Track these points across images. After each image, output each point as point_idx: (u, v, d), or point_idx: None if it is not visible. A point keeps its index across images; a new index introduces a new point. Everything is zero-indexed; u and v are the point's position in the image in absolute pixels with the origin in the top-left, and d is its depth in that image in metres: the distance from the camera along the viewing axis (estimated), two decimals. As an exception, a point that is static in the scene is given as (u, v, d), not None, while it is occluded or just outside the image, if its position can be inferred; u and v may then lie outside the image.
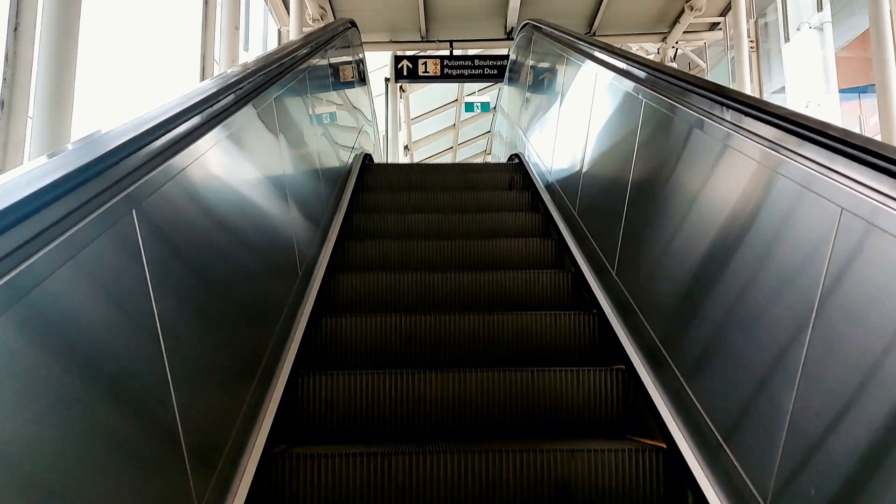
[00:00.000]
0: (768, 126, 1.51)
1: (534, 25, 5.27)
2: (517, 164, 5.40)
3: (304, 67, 3.35)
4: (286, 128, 2.85)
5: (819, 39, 9.07)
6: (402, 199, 4.38)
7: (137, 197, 1.20)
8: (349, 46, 5.32)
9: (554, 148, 4.20)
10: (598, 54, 3.27)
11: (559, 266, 3.39)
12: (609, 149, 3.05)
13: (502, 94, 7.97)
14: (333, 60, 4.50)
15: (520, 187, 4.76)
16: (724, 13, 9.88)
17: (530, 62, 5.49)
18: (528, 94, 5.56)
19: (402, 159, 13.45)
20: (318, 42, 3.83)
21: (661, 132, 2.34)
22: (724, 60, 10.69)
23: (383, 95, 11.82)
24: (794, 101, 8.85)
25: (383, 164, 5.94)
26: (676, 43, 10.10)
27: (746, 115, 1.62)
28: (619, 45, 4.42)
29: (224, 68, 5.50)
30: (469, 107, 13.34)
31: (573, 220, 3.36)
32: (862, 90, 9.33)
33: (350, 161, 4.78)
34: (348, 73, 5.27)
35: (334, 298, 3.01)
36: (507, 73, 7.44)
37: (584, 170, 3.33)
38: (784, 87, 9.27)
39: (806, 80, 8.93)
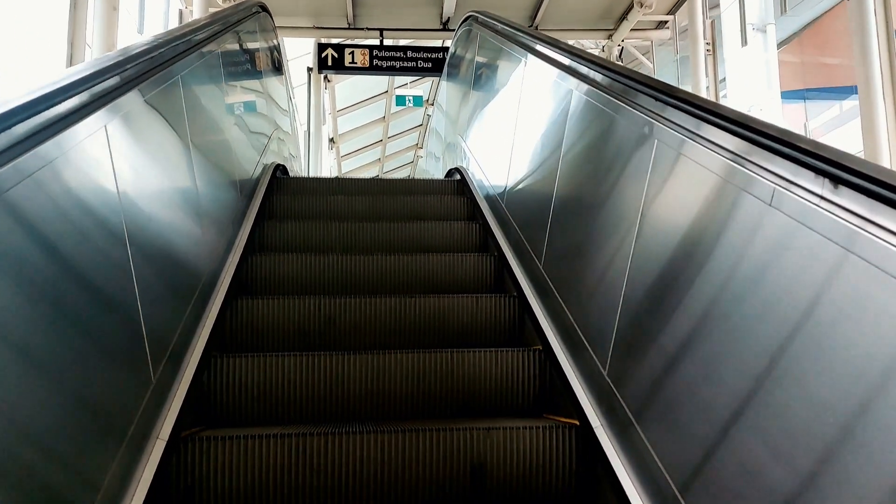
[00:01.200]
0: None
1: (481, 21, 4.42)
2: (459, 182, 4.57)
3: (186, 62, 2.42)
4: (149, 145, 1.98)
5: (762, 41, 8.62)
6: (321, 236, 3.45)
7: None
8: (256, 32, 4.35)
9: (509, 170, 3.39)
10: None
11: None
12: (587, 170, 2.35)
13: (440, 93, 7.08)
14: (232, 50, 3.54)
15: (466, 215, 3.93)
16: (672, 11, 9.31)
17: (475, 64, 4.65)
18: (471, 102, 4.73)
19: (327, 156, 12.41)
20: (208, 30, 2.88)
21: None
22: (670, 60, 10.16)
23: (305, 86, 10.74)
24: (737, 104, 8.36)
25: (301, 181, 4.96)
26: (622, 41, 9.47)
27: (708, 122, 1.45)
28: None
29: (99, 54, 4.43)
30: (400, 100, 12.40)
31: (537, 271, 2.57)
32: (803, 94, 8.96)
33: (256, 177, 3.83)
34: (255, 67, 4.32)
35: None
36: (445, 72, 6.53)
37: (555, 196, 2.54)
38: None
39: (750, 82, 8.47)
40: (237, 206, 3.19)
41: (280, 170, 5.12)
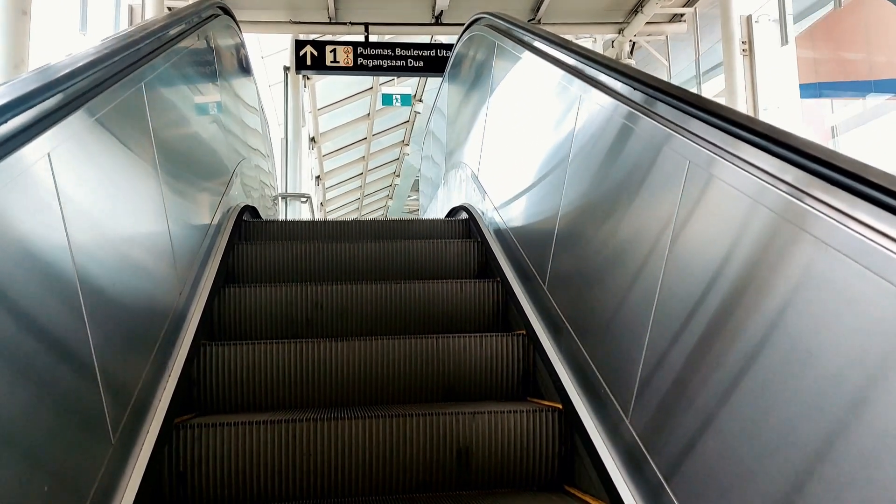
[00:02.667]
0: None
1: (501, 28, 3.43)
2: (468, 231, 3.62)
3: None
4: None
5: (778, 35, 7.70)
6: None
7: None
8: (210, 40, 3.36)
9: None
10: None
11: None
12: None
13: (441, 97, 6.04)
14: (173, 72, 2.57)
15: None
16: (689, 2, 8.37)
17: (491, 81, 3.66)
18: (485, 126, 3.74)
19: (307, 161, 11.37)
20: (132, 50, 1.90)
21: None
22: (684, 58, 9.23)
23: (281, 84, 9.67)
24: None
25: (274, 227, 3.96)
26: (635, 36, 8.52)
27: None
28: (564, 35, 3.09)
29: (4, 68, 3.40)
30: (387, 99, 11.39)
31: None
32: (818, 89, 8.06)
33: (212, 229, 2.86)
34: (212, 85, 3.33)
35: None
36: (447, 74, 5.50)
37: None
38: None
39: (772, 80, 7.58)
40: (182, 276, 2.24)
41: (249, 212, 4.14)
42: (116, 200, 1.72)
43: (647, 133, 1.68)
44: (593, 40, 10.33)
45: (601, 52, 2.73)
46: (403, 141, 17.75)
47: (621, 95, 1.87)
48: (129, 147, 1.88)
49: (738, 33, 6.29)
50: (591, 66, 2.14)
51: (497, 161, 3.49)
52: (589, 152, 2.14)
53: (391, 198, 23.12)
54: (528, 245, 2.65)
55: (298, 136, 9.14)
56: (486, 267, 3.19)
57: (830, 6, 7.03)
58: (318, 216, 13.84)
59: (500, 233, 3.13)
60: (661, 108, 1.61)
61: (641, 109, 1.71)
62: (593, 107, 2.11)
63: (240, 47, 4.47)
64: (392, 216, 26.06)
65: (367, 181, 20.11)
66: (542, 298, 2.37)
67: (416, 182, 24.18)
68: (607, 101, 1.96)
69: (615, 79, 1.94)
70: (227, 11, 4.03)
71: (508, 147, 3.27)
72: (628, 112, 1.80)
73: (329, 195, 19.16)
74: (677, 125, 1.51)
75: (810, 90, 8.06)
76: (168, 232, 2.10)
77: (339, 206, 21.20)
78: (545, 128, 2.67)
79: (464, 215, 4.05)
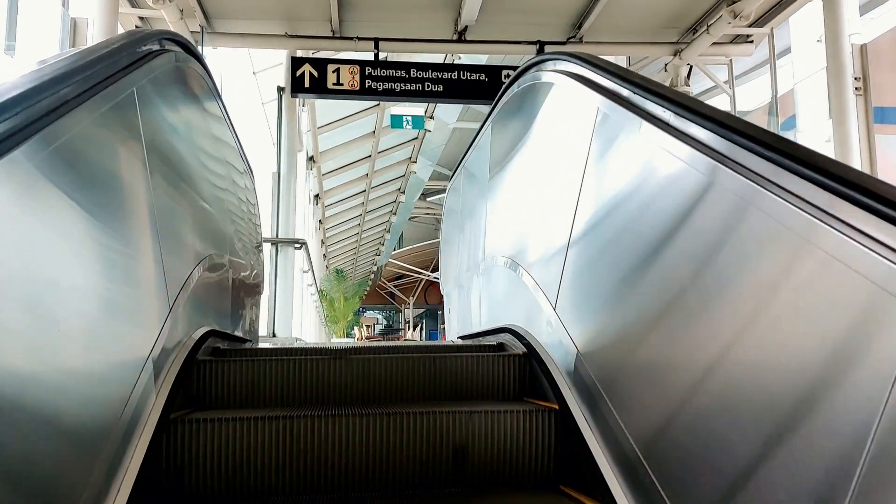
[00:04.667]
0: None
1: (606, 90, 2.06)
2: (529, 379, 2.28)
3: None
4: None
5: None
6: None
7: None
8: (134, 116, 2.01)
9: None
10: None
11: None
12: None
13: (472, 157, 4.56)
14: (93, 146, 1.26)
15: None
16: (762, 20, 7.01)
17: (591, 168, 2.28)
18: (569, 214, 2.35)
19: (303, 209, 10.04)
20: None
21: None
22: (747, 85, 7.88)
23: (274, 103, 8.30)
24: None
25: (242, 371, 2.60)
26: (698, 57, 7.17)
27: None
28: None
29: None
30: (396, 122, 10.05)
31: None
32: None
33: (140, 387, 1.54)
34: (168, 162, 1.97)
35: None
36: (488, 131, 4.00)
37: None
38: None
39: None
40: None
41: (215, 337, 2.81)
42: None
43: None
44: (626, 59, 8.99)
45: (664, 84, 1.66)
46: (411, 158, 16.41)
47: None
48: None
49: (849, 67, 4.94)
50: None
51: (598, 285, 2.12)
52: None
53: (394, 213, 21.81)
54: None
55: (293, 167, 7.77)
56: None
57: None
58: (316, 259, 12.54)
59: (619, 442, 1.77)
60: None
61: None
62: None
63: (213, 100, 3.12)
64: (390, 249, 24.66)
65: (369, 198, 18.77)
66: None
67: (423, 195, 22.87)
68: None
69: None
70: (187, 49, 2.68)
71: (621, 264, 1.91)
72: None
73: (329, 212, 17.83)
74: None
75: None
76: None
77: (338, 223, 19.87)
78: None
79: (518, 347, 2.72)
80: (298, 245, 7.37)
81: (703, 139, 1.48)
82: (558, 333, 2.32)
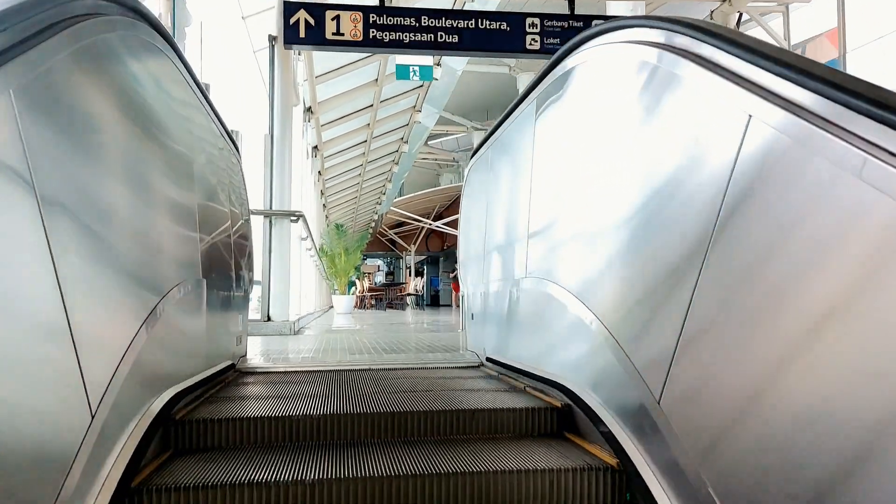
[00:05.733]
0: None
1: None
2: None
3: None
4: None
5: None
6: None
7: None
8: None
9: None
10: None
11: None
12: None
13: (496, 147, 3.72)
14: None
15: None
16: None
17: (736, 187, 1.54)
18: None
19: (299, 172, 9.20)
20: None
21: None
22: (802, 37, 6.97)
23: (266, 52, 7.37)
24: None
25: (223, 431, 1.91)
26: (749, 6, 6.25)
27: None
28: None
29: None
30: (402, 72, 9.12)
31: None
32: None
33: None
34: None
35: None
36: (534, 126, 3.11)
37: None
38: None
39: None
40: None
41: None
42: None
43: None
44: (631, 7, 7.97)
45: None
46: (415, 107, 15.41)
47: None
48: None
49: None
50: None
51: (742, 373, 1.40)
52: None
53: (397, 163, 20.85)
54: None
55: (288, 127, 6.91)
56: None
57: None
58: (316, 212, 11.79)
59: None
60: None
61: None
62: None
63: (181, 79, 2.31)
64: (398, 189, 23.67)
65: (370, 148, 17.82)
66: None
67: (428, 154, 21.82)
68: None
69: None
70: (143, 15, 1.88)
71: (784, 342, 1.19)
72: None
73: (328, 163, 16.94)
74: None
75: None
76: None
77: (338, 173, 18.98)
78: None
79: (602, 448, 2.00)
80: (295, 218, 6.59)
81: None
82: (668, 447, 1.59)
